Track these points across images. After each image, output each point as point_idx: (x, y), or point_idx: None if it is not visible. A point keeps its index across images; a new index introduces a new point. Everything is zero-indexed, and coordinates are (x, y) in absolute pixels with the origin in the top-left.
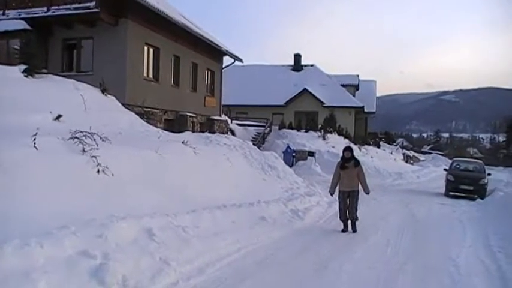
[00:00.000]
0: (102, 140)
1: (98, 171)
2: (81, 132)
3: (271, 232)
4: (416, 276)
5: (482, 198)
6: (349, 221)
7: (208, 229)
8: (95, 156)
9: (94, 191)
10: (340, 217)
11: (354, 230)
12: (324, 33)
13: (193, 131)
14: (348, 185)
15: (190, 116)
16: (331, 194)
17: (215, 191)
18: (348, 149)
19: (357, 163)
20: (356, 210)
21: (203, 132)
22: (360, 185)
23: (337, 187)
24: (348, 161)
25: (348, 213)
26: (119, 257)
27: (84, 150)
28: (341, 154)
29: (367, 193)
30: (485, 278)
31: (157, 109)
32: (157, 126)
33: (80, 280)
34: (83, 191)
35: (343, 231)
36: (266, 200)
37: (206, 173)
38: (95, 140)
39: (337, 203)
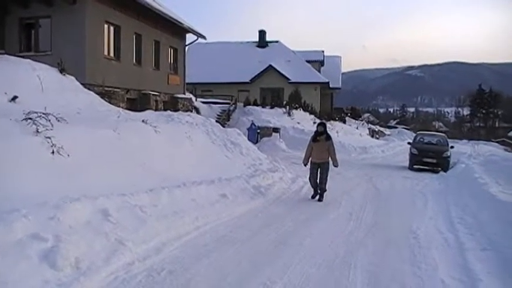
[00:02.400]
0: (58, 121)
1: (53, 152)
2: (35, 113)
3: (232, 209)
4: (376, 250)
5: (445, 171)
6: (318, 191)
7: (167, 208)
8: (49, 137)
9: (48, 172)
10: (311, 184)
11: (320, 200)
12: (288, 9)
13: (156, 110)
14: (319, 157)
15: (153, 95)
16: (305, 165)
17: (175, 169)
18: (321, 124)
19: (328, 138)
20: (326, 181)
21: (167, 110)
22: (330, 158)
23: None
24: (320, 135)
25: (318, 182)
26: (72, 239)
27: (38, 131)
28: (306, 130)
29: (336, 166)
30: (443, 250)
31: (119, 88)
32: (119, 106)
33: (29, 264)
34: (36, 172)
35: (313, 197)
36: (228, 177)
37: (166, 152)
38: (50, 120)
39: (302, 177)
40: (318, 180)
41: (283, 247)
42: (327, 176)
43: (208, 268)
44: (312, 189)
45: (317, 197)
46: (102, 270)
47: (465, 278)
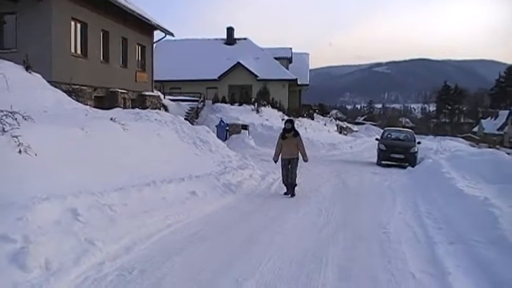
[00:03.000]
0: (25, 119)
1: (20, 151)
2: (1, 111)
3: (202, 207)
4: (346, 246)
5: (412, 166)
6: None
7: (137, 207)
8: (16, 136)
9: (15, 172)
10: (283, 181)
11: (293, 195)
12: (256, 6)
13: (124, 108)
14: (288, 153)
15: (121, 93)
16: (275, 161)
17: (145, 168)
18: (289, 121)
19: (296, 134)
20: (296, 176)
21: (135, 108)
22: (299, 154)
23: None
24: (288, 132)
25: (289, 178)
26: (41, 240)
27: (4, 130)
28: (274, 127)
29: (305, 161)
30: (413, 244)
31: (86, 86)
32: (87, 104)
33: None
34: (3, 172)
35: (285, 194)
36: (198, 175)
37: (135, 150)
38: (16, 119)
39: (272, 174)
40: (288, 176)
41: (255, 244)
42: (296, 171)
43: (179, 266)
44: (284, 186)
45: (289, 192)
46: (72, 271)
47: (435, 272)
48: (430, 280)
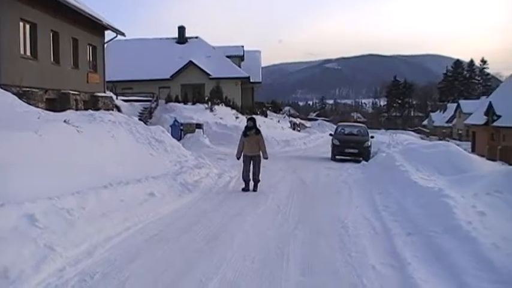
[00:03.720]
0: None
1: None
2: None
3: (160, 208)
4: (307, 241)
5: (366, 160)
6: (252, 182)
7: (95, 210)
8: None
9: None
10: (243, 177)
11: (255, 190)
12: (207, 5)
13: (76, 110)
14: (250, 150)
15: (73, 94)
16: (238, 158)
17: (101, 170)
18: (251, 119)
19: (258, 132)
20: (259, 172)
21: (87, 110)
22: (260, 151)
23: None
24: (250, 130)
25: (252, 174)
26: None
27: None
28: (228, 125)
29: (266, 158)
30: (372, 237)
31: (37, 88)
32: (38, 107)
33: None
34: None
35: (244, 190)
36: (154, 175)
37: (91, 152)
38: None
39: (228, 173)
40: (251, 173)
41: (216, 243)
42: (259, 168)
43: (142, 269)
44: (243, 182)
45: (248, 189)
46: (33, 278)
47: (394, 263)
48: (390, 271)
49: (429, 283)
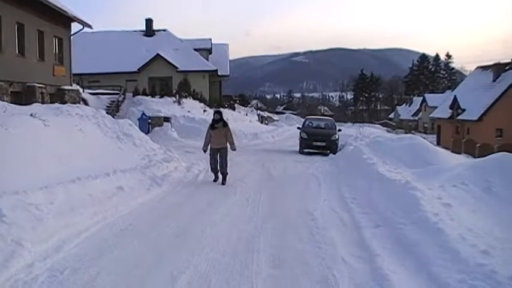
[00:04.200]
0: None
1: None
2: None
3: (129, 202)
4: (277, 234)
5: (334, 153)
6: (220, 175)
7: (64, 204)
8: None
9: None
10: (211, 169)
11: (224, 183)
12: None
13: (42, 103)
14: (217, 143)
15: (39, 87)
16: (204, 151)
17: (69, 164)
18: (217, 112)
19: (225, 124)
20: (226, 165)
21: (53, 103)
22: (228, 143)
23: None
24: (217, 122)
25: (219, 167)
26: None
27: None
28: (196, 118)
29: (233, 149)
30: (341, 229)
31: (1, 81)
32: (2, 100)
33: None
34: None
35: (214, 181)
36: (123, 169)
37: (58, 146)
38: None
39: (197, 166)
40: (218, 165)
41: (186, 236)
42: (226, 161)
43: (112, 263)
44: (213, 175)
45: (218, 180)
46: (1, 275)
47: (363, 254)
48: (359, 262)
49: (398, 274)
